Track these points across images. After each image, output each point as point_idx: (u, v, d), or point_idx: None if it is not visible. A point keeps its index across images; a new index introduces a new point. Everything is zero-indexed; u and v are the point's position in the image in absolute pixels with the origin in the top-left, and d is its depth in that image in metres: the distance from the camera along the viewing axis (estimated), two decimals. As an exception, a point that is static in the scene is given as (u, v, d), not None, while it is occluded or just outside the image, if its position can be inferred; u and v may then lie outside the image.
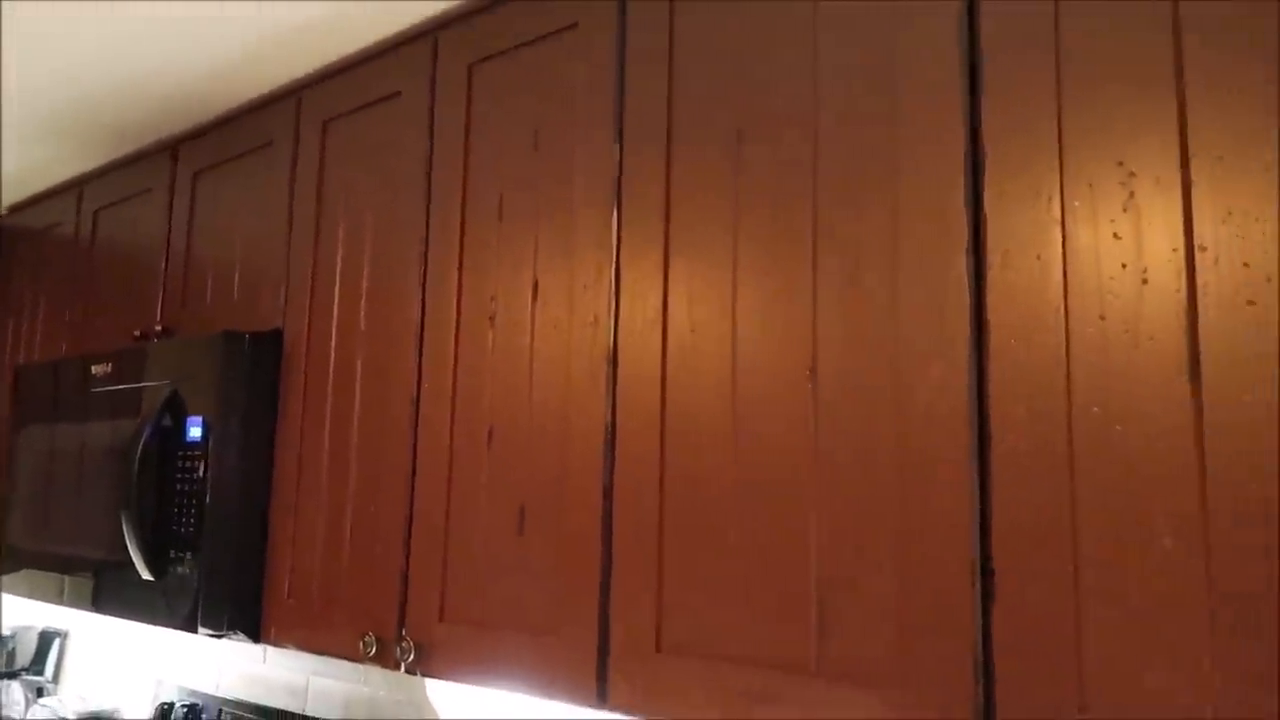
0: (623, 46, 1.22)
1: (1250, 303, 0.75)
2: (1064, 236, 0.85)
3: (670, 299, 1.12)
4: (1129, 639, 0.77)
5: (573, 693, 1.10)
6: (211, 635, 1.49)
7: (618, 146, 1.20)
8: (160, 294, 1.95)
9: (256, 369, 1.59)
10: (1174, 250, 0.79)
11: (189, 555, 1.51)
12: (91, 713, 2.32)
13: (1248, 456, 0.74)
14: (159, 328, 1.91)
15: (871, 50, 0.99)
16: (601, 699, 1.08)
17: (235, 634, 1.50)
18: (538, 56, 1.33)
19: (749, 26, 1.10)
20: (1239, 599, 0.73)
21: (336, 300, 1.55)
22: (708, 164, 1.11)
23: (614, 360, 1.16)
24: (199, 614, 1.48)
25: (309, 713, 1.86)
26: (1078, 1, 0.87)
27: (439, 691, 1.65)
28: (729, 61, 1.11)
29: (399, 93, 1.51)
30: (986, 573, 0.84)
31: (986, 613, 0.84)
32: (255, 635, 1.52)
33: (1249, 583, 0.73)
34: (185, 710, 2.01)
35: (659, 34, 1.18)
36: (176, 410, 1.61)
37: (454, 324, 1.35)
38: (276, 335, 1.62)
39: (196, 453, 1.54)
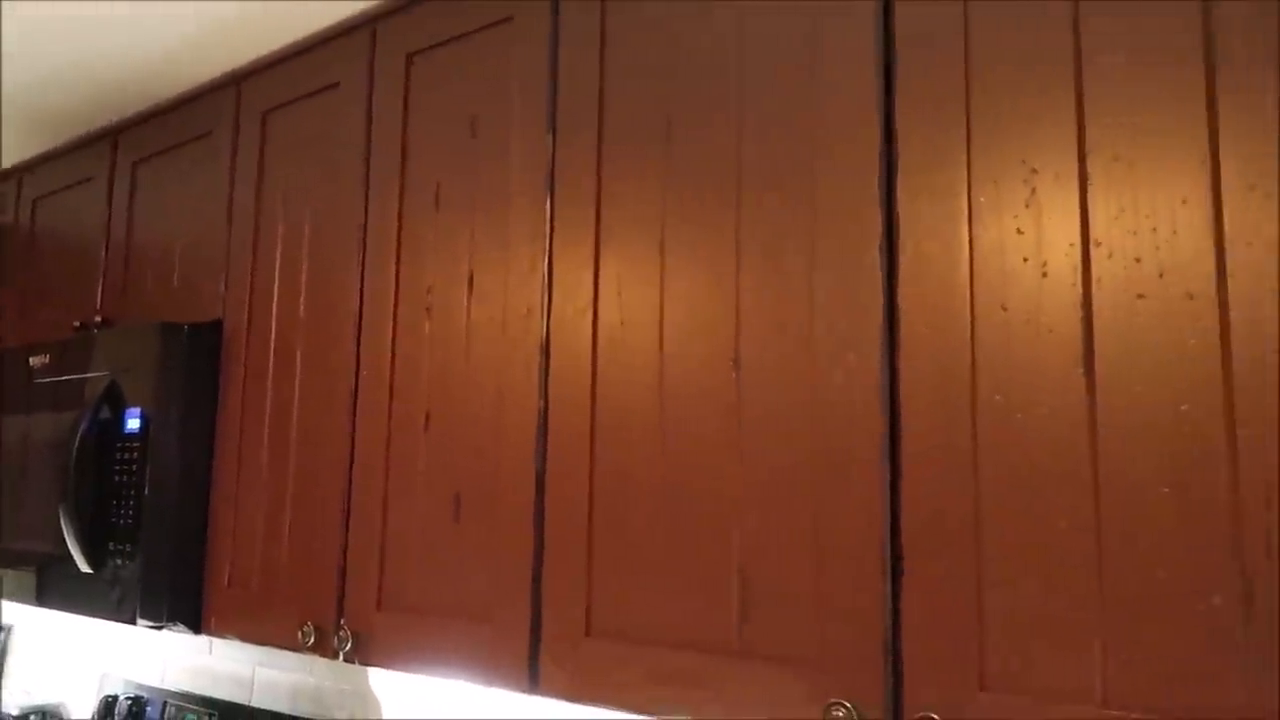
0: (556, 39, 1.23)
1: (1141, 296, 0.79)
2: (970, 231, 0.88)
3: (600, 290, 1.14)
4: (1026, 622, 0.81)
5: (505, 678, 1.12)
6: (151, 626, 1.49)
7: (551, 137, 1.21)
8: (100, 284, 1.93)
9: (195, 359, 1.58)
10: (1071, 245, 0.83)
11: (128, 547, 1.51)
12: (36, 706, 2.30)
13: (1137, 445, 0.78)
14: (99, 318, 1.89)
15: (794, 47, 1.02)
16: (533, 683, 1.10)
17: (175, 625, 1.50)
18: (474, 48, 1.34)
19: (677, 21, 1.12)
20: (1127, 584, 0.77)
21: (276, 290, 1.55)
22: (637, 156, 1.13)
23: (546, 351, 1.17)
24: (138, 605, 1.47)
25: (255, 704, 1.86)
26: (986, 2, 0.90)
27: (382, 681, 1.66)
28: (658, 55, 1.13)
29: (338, 83, 1.51)
30: (896, 558, 0.87)
31: (896, 596, 0.87)
32: (196, 626, 1.52)
33: (1137, 568, 0.77)
34: (130, 703, 2.00)
35: (591, 27, 1.19)
36: (115, 402, 1.60)
37: (392, 314, 1.36)
38: (216, 325, 1.62)
39: (135, 444, 1.54)
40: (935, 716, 0.82)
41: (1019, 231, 0.85)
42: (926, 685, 0.84)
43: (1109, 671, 0.77)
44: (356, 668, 1.70)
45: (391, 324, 1.36)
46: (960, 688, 0.82)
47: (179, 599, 1.51)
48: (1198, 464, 0.75)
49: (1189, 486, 0.75)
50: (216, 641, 1.98)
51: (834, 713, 0.86)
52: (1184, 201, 0.78)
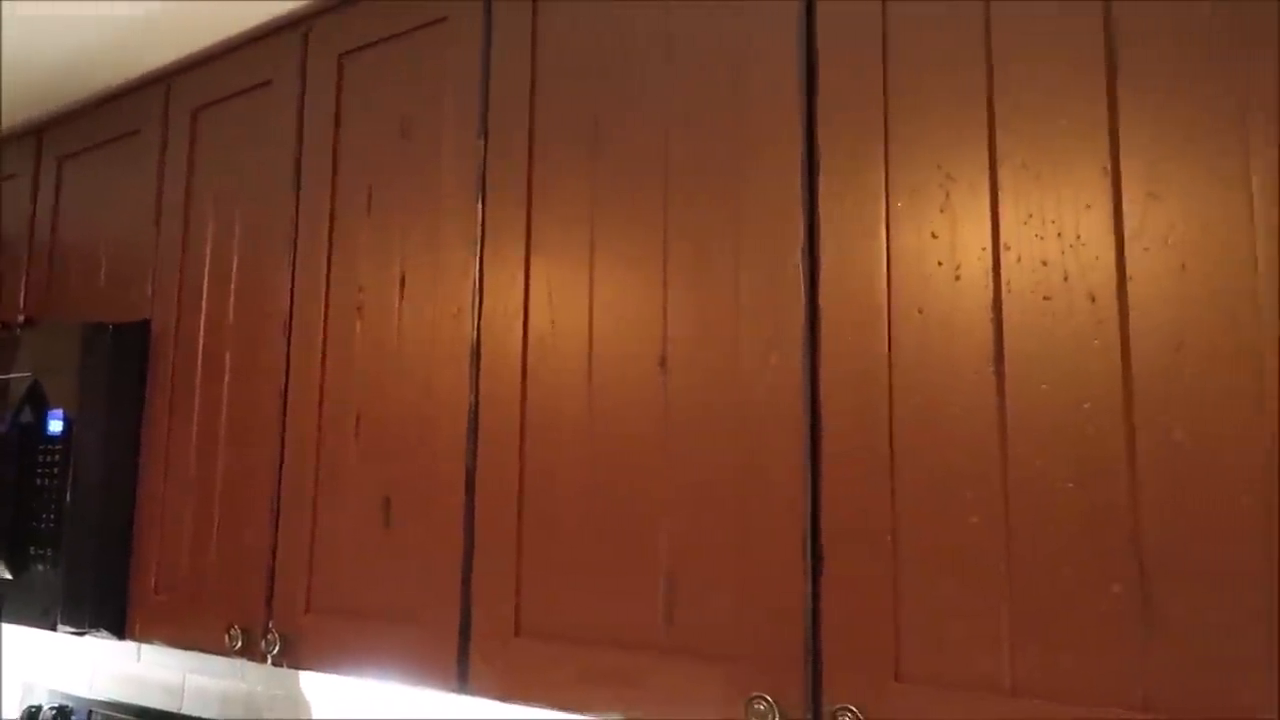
0: (488, 40, 1.24)
1: (1046, 298, 0.82)
2: (888, 235, 0.90)
3: (531, 291, 1.14)
4: (939, 612, 0.83)
5: (435, 678, 1.12)
6: (73, 633, 1.46)
7: (482, 139, 1.22)
8: (24, 282, 1.89)
9: (121, 360, 1.55)
10: (983, 249, 0.85)
11: (49, 552, 1.47)
12: (-44, 719, 2.23)
13: (1044, 442, 0.80)
14: (22, 318, 1.85)
15: (720, 48, 1.03)
16: (462, 683, 1.10)
17: (99, 631, 1.47)
18: (407, 49, 1.33)
19: (607, 26, 1.13)
20: (1034, 577, 0.80)
21: (205, 290, 1.53)
22: (567, 157, 1.14)
23: (477, 352, 1.17)
24: (60, 611, 1.44)
25: (185, 711, 1.83)
26: (904, 4, 0.92)
27: (314, 685, 1.64)
28: (588, 59, 1.14)
29: (269, 82, 1.50)
30: (817, 557, 0.89)
31: (816, 591, 0.89)
32: (120, 632, 1.49)
33: (1043, 562, 0.79)
34: (54, 713, 1.95)
35: (523, 30, 1.20)
36: (37, 403, 1.56)
37: (323, 315, 1.35)
38: (144, 326, 1.59)
39: (57, 447, 1.50)
40: (853, 708, 0.84)
41: (934, 236, 0.88)
42: (845, 679, 0.86)
43: (1017, 662, 0.79)
44: (288, 672, 1.68)
45: (322, 325, 1.35)
46: (877, 680, 0.84)
47: (103, 604, 1.48)
48: (1099, 460, 0.78)
49: (1091, 481, 0.78)
50: (145, 649, 1.95)
51: (755, 706, 0.88)
52: (1087, 207, 0.81)
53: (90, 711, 1.90)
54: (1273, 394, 0.72)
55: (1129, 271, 0.79)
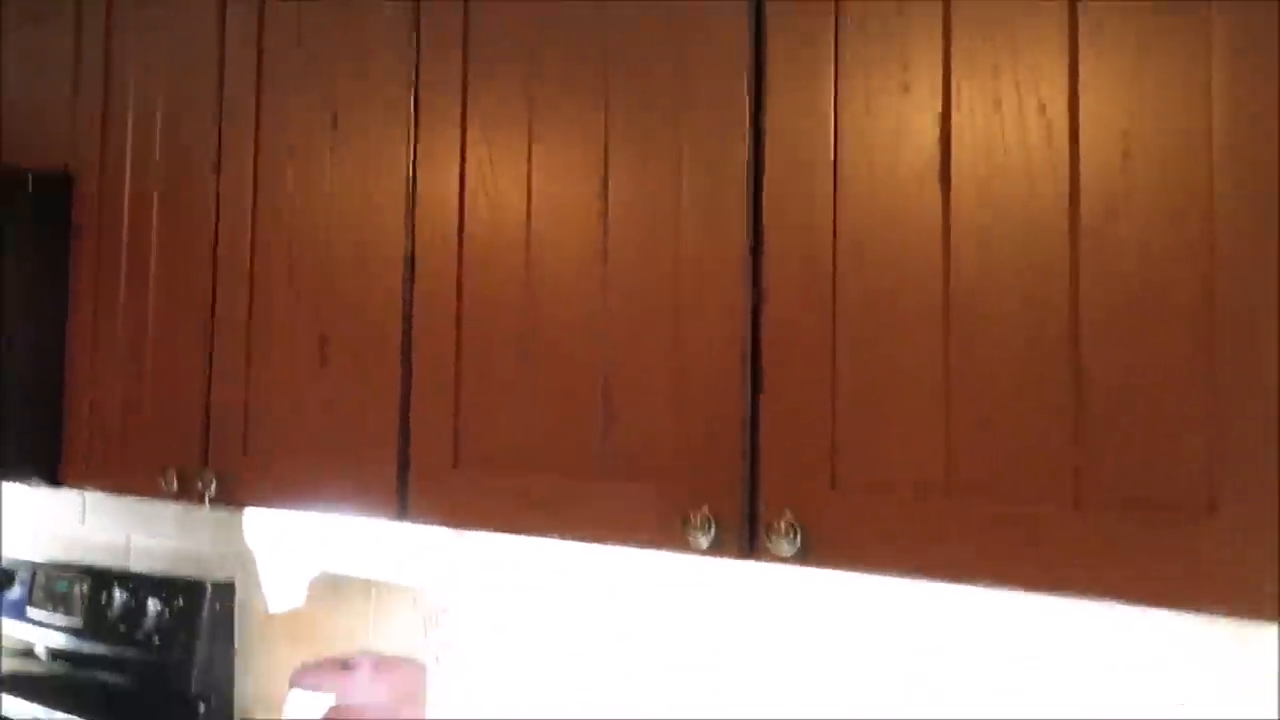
0: None
1: (996, 103, 0.80)
2: (836, 44, 0.87)
3: (468, 130, 1.10)
4: (877, 421, 0.83)
5: (375, 508, 1.12)
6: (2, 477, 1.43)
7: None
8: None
9: (43, 208, 1.49)
10: (932, 61, 0.82)
11: (-25, 401, 1.43)
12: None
13: (986, 253, 0.79)
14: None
15: None
16: (402, 511, 1.10)
17: (30, 479, 1.44)
18: None
19: None
20: (972, 380, 0.79)
21: (130, 134, 1.46)
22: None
23: (413, 193, 1.13)
24: (-11, 461, 1.41)
25: (132, 570, 1.82)
26: None
27: (261, 541, 1.64)
28: None
29: (190, -93, 1.40)
30: (755, 367, 0.89)
31: (755, 405, 0.89)
32: (53, 480, 1.46)
33: (983, 369, 0.79)
34: (-3, 574, 1.93)
35: None
36: (-45, 252, 1.50)
37: (252, 156, 1.30)
38: (65, 174, 1.52)
39: (-22, 295, 1.45)
40: (789, 514, 0.84)
41: (885, 41, 0.85)
42: (781, 488, 0.86)
43: (953, 465, 0.80)
44: (234, 528, 1.67)
45: (253, 166, 1.30)
46: (814, 488, 0.84)
47: (33, 452, 1.45)
48: (1041, 269, 0.77)
49: (1032, 290, 0.77)
50: (89, 511, 1.93)
51: (692, 518, 0.88)
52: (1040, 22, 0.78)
53: (34, 572, 1.88)
54: (1224, 198, 0.71)
55: (1082, 78, 0.76)
